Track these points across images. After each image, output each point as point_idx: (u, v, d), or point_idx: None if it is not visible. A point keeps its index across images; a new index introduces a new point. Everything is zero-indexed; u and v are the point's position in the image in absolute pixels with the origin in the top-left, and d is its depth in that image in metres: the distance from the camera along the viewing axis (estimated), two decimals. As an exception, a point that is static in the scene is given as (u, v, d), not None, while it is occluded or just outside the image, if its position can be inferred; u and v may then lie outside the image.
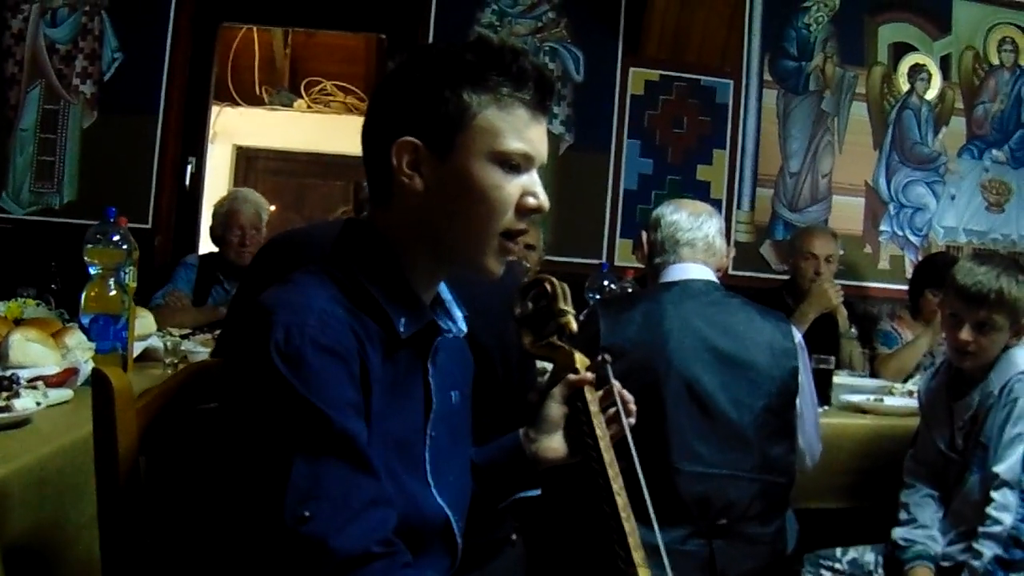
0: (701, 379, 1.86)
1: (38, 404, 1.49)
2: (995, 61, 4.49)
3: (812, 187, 4.34)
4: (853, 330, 3.33)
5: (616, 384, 1.24)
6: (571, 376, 1.22)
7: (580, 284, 2.73)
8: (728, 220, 4.14)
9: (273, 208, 4.21)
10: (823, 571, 2.13)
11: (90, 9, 3.92)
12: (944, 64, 4.44)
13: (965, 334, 1.98)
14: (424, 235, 1.10)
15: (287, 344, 0.97)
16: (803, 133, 4.33)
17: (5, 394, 1.46)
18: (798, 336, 1.98)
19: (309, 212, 5.93)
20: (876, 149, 4.38)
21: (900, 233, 4.40)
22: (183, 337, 2.47)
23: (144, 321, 2.22)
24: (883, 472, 2.25)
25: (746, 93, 4.28)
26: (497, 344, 1.52)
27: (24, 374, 1.60)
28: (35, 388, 1.57)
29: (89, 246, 2.03)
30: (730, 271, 3.70)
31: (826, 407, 2.39)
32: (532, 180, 1.10)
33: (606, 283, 2.90)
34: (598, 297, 2.83)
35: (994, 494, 1.89)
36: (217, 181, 5.26)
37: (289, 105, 5.94)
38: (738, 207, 4.28)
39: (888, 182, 4.39)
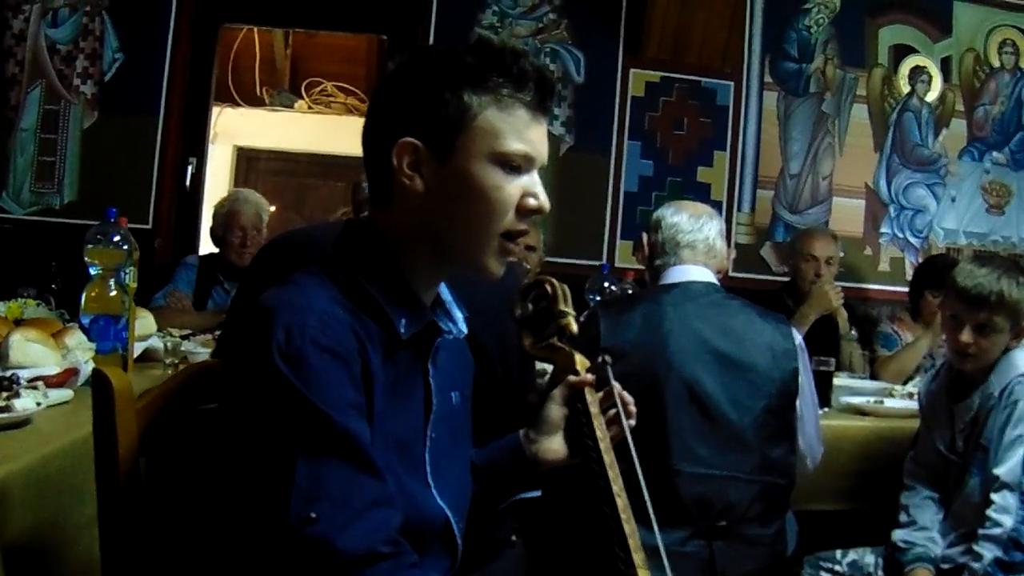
0: (701, 380, 1.86)
1: (38, 404, 1.49)
2: (996, 63, 4.49)
3: (812, 189, 4.34)
4: (853, 332, 3.33)
5: (616, 385, 1.24)
6: (571, 377, 1.22)
7: (580, 285, 2.73)
8: (728, 222, 4.13)
9: (273, 209, 4.21)
10: (823, 573, 2.13)
11: (91, 9, 3.92)
12: (944, 66, 4.43)
13: (965, 336, 1.98)
14: (424, 236, 1.10)
15: (288, 345, 0.97)
16: (803, 135, 4.33)
17: (5, 394, 1.46)
18: (798, 338, 1.98)
19: (309, 213, 5.93)
20: (876, 151, 4.38)
21: (900, 235, 4.40)
22: (183, 338, 2.47)
23: (144, 322, 2.22)
24: (883, 474, 2.25)
25: (747, 95, 4.27)
26: (497, 345, 1.52)
27: (24, 374, 1.60)
28: (35, 388, 1.57)
29: (89, 246, 2.03)
30: (730, 273, 3.68)
31: (826, 409, 2.39)
32: (533, 181, 1.10)
33: (606, 284, 2.90)
34: (598, 298, 2.83)
35: (994, 496, 1.89)
36: (217, 182, 5.25)
37: (290, 106, 5.94)
38: (738, 209, 4.28)
39: (888, 184, 4.39)
